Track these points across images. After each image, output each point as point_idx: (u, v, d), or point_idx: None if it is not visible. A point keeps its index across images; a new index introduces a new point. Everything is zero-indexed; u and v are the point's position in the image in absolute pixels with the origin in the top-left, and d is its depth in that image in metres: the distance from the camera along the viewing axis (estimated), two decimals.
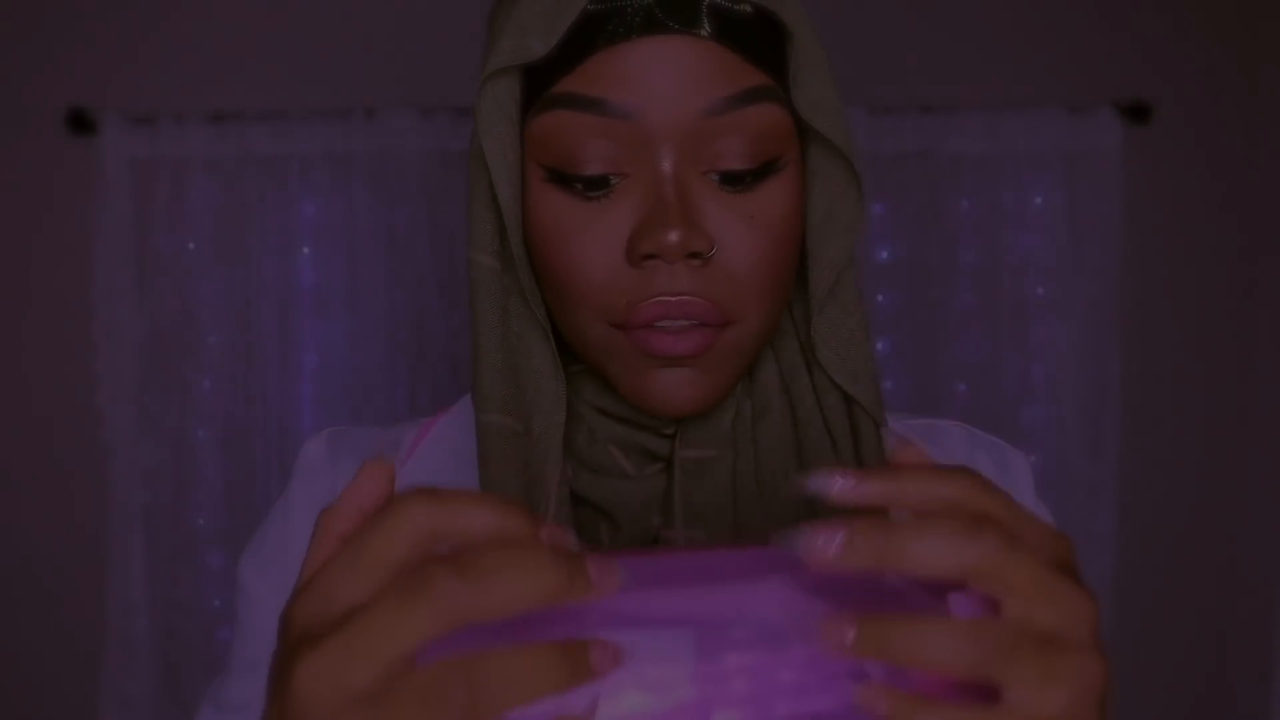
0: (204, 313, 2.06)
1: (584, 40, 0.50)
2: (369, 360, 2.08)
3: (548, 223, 0.52)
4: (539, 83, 0.51)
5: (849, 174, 0.55)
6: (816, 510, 0.54)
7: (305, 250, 2.08)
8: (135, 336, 2.05)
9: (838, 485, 0.33)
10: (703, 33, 0.49)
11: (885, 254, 2.16)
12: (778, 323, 0.56)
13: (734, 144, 0.50)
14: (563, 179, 0.51)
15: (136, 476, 2.05)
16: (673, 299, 0.49)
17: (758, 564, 0.35)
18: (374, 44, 2.09)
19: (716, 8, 0.50)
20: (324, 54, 2.09)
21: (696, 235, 0.49)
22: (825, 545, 0.32)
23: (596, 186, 0.50)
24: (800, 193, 0.54)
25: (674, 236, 0.48)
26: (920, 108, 2.12)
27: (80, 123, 2.03)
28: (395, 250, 2.08)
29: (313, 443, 0.66)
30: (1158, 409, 2.25)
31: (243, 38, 2.09)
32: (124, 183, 2.03)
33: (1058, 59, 2.19)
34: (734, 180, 0.51)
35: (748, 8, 0.50)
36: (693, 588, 0.33)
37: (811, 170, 0.56)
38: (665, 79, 0.49)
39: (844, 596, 0.34)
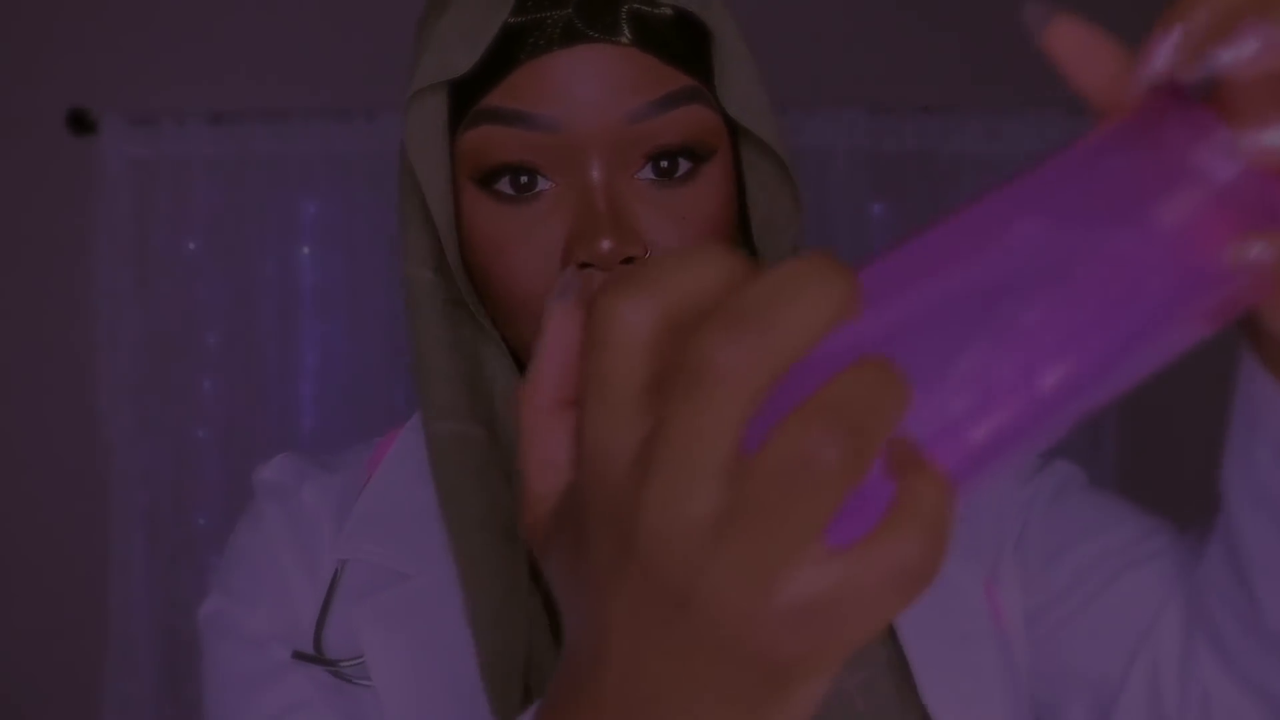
0: (204, 313, 2.06)
1: (506, 54, 0.50)
2: (369, 360, 2.08)
3: (483, 236, 0.52)
4: (465, 97, 0.52)
5: (782, 172, 0.56)
6: None
7: (305, 250, 2.08)
8: (135, 336, 2.05)
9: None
10: (623, 40, 0.50)
11: None
12: None
13: (661, 146, 0.51)
14: (494, 191, 0.51)
15: (136, 476, 2.05)
16: None
17: (995, 216, 0.29)
18: (374, 44, 2.09)
19: (636, 13, 0.50)
20: (324, 54, 2.09)
21: (629, 241, 0.50)
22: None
23: (526, 189, 0.51)
24: (731, 190, 0.54)
25: (606, 245, 0.49)
26: (920, 108, 2.12)
27: (81, 123, 2.03)
28: (395, 250, 2.07)
29: (267, 469, 0.63)
30: (1158, 409, 2.24)
31: (243, 38, 2.09)
32: (124, 183, 2.03)
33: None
34: (663, 177, 0.51)
35: (668, 11, 0.51)
36: (941, 268, 0.27)
37: (747, 169, 0.56)
38: (587, 89, 0.49)
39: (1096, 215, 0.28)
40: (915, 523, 0.23)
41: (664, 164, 0.51)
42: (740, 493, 0.23)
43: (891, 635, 0.56)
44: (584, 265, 0.50)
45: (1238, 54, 0.27)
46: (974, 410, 0.25)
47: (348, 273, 2.08)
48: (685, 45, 0.51)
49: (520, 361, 0.58)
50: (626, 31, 0.50)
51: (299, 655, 0.56)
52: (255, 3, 2.09)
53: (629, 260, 0.50)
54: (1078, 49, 0.30)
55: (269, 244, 2.06)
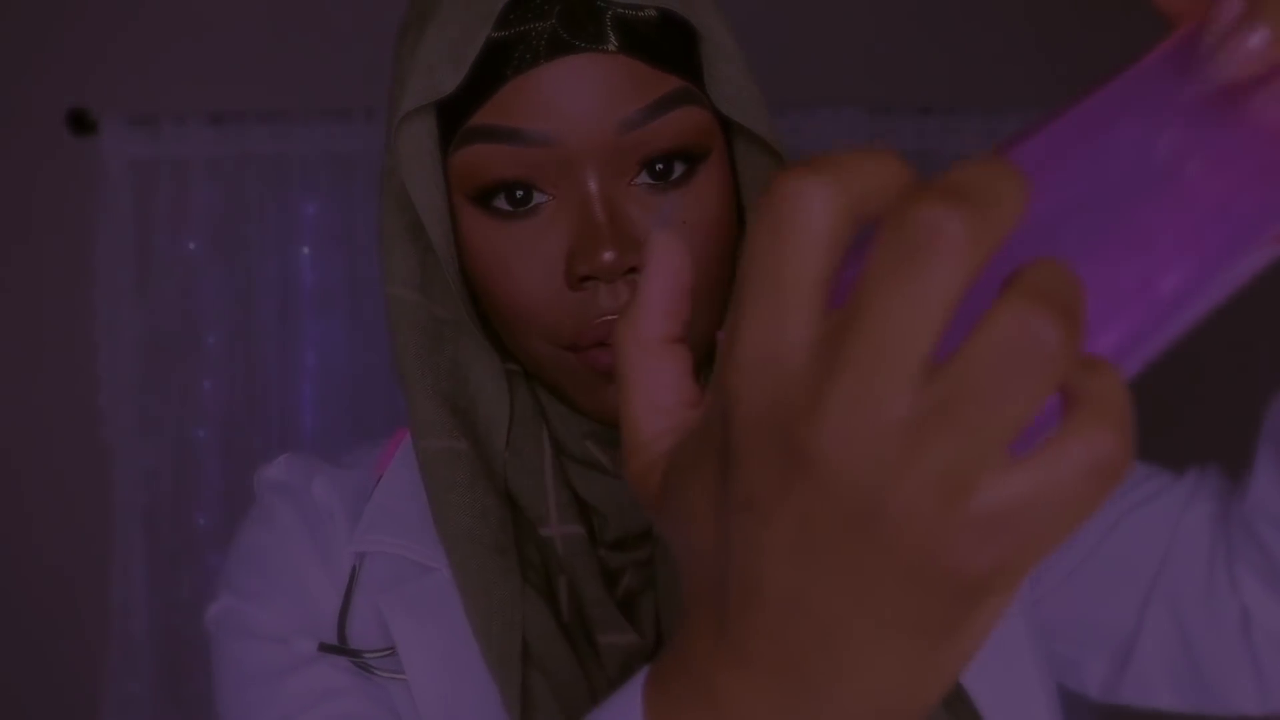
0: (204, 313, 2.06)
1: (493, 70, 0.50)
2: (369, 360, 2.08)
3: (484, 254, 0.52)
4: (454, 116, 0.51)
5: (778, 165, 0.56)
6: None
7: (305, 250, 2.08)
8: (135, 336, 2.05)
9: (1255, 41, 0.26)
10: (610, 47, 0.49)
11: None
12: (723, 317, 0.57)
13: (655, 151, 0.50)
14: (491, 208, 0.51)
15: (136, 476, 2.05)
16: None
17: (1095, 119, 0.28)
18: (374, 44, 2.09)
19: (621, 19, 0.50)
20: (324, 54, 2.09)
21: (631, 251, 0.49)
22: (1249, 40, 0.26)
23: (523, 204, 0.51)
24: (730, 188, 0.54)
25: (608, 256, 0.49)
26: (920, 108, 2.12)
27: (81, 123, 2.03)
28: None
29: (272, 469, 0.63)
30: (1157, 408, 2.25)
31: (243, 38, 2.09)
32: (125, 183, 2.03)
33: (1057, 59, 2.19)
34: (659, 181, 0.51)
35: (652, 13, 0.50)
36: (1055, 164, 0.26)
37: (740, 164, 0.56)
38: (577, 100, 0.49)
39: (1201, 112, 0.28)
40: (1106, 415, 0.21)
41: (659, 168, 0.51)
42: (945, 387, 0.21)
43: None
44: (586, 278, 0.50)
45: None
46: (1100, 315, 0.25)
47: (348, 273, 2.08)
48: (672, 46, 0.51)
49: (529, 374, 0.59)
50: (612, 38, 0.49)
51: (325, 647, 0.56)
52: (255, 3, 2.09)
53: (633, 270, 0.50)
54: None
55: (269, 244, 2.06)
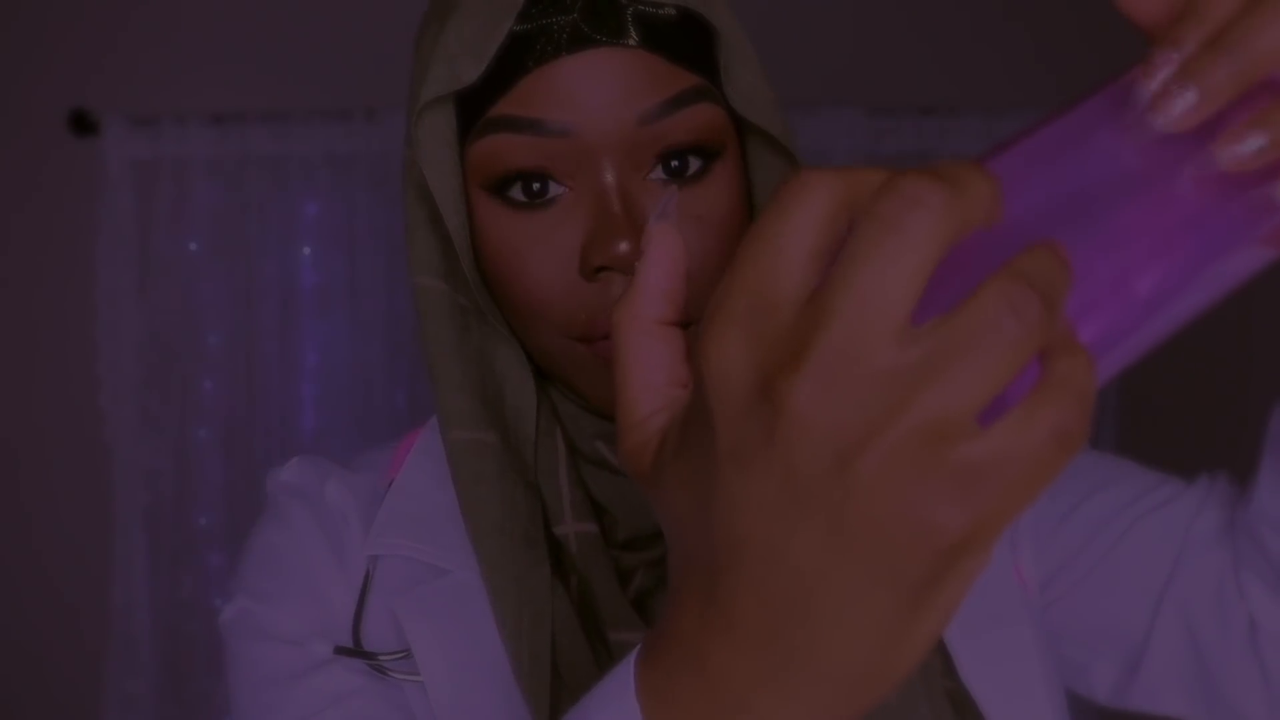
0: (205, 313, 2.07)
1: (514, 61, 0.50)
2: (370, 360, 2.08)
3: (499, 244, 0.52)
4: (473, 107, 0.52)
5: (791, 165, 0.56)
6: None
7: (306, 250, 2.08)
8: (136, 336, 2.05)
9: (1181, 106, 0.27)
10: (630, 42, 0.50)
11: None
12: None
13: (672, 145, 0.51)
14: (508, 199, 0.51)
15: (137, 476, 2.05)
16: None
17: (1074, 131, 0.30)
18: (374, 44, 2.09)
19: (642, 15, 0.50)
20: (324, 54, 2.09)
21: None
22: (1178, 103, 0.27)
23: (540, 196, 0.51)
24: (742, 186, 0.54)
25: (624, 247, 0.49)
26: (920, 108, 2.12)
27: (82, 124, 2.03)
28: (396, 250, 2.08)
29: (285, 472, 0.63)
30: (1156, 408, 2.25)
31: (243, 38, 2.09)
32: (126, 183, 2.03)
33: (1056, 60, 2.19)
34: (675, 177, 0.51)
35: (672, 11, 0.51)
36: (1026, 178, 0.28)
37: (753, 165, 0.57)
38: (597, 93, 0.49)
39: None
40: (1071, 391, 0.24)
41: (675, 164, 0.51)
42: (930, 346, 0.23)
43: None
44: (601, 269, 0.50)
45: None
46: (1081, 311, 0.26)
47: (348, 273, 2.08)
48: (691, 44, 0.52)
49: (537, 367, 0.59)
50: (633, 33, 0.50)
51: (341, 650, 0.56)
52: (256, 3, 2.09)
53: None
54: None
55: (269, 244, 2.07)
